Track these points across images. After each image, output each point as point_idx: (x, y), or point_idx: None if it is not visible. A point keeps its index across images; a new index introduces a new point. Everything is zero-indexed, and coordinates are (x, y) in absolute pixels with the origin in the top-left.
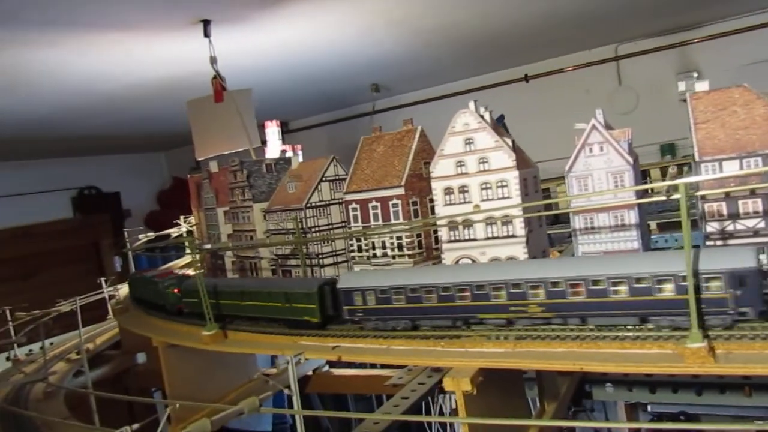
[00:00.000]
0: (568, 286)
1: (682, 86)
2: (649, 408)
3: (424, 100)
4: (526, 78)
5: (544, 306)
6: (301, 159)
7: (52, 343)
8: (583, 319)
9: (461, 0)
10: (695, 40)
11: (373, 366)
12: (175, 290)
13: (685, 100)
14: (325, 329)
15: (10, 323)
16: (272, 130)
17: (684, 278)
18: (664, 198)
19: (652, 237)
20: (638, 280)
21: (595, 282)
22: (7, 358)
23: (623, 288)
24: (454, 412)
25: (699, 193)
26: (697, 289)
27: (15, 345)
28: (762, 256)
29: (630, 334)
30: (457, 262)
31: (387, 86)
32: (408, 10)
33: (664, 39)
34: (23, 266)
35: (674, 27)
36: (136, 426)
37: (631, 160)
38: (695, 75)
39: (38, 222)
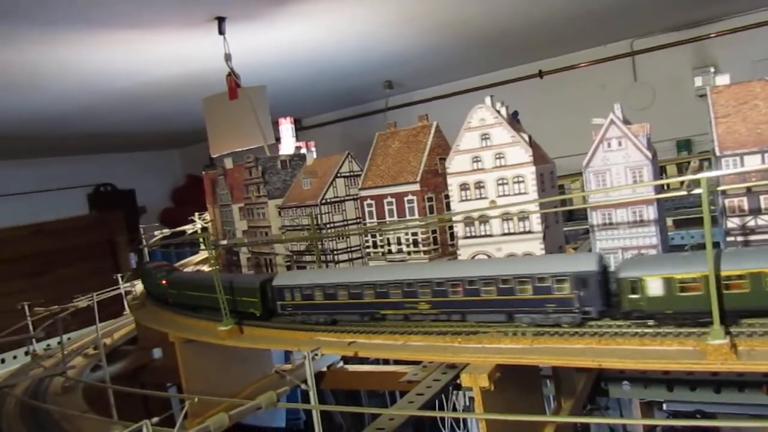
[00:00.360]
0: (450, 286)
1: (698, 81)
2: (664, 406)
3: (438, 97)
4: (540, 74)
5: (431, 304)
6: (314, 156)
7: (69, 339)
8: (463, 316)
9: None
10: (712, 35)
11: (386, 362)
12: (164, 281)
13: (702, 96)
14: (269, 320)
15: (29, 318)
16: (286, 127)
17: (540, 279)
18: (684, 192)
19: (669, 234)
20: (504, 281)
21: (471, 282)
22: (26, 353)
23: (492, 288)
24: (467, 410)
25: (720, 188)
26: (548, 290)
27: (33, 340)
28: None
29: (650, 330)
30: (472, 258)
31: (400, 83)
32: (421, 6)
33: (680, 34)
34: (40, 262)
35: (690, 22)
36: (155, 420)
37: (650, 154)
38: (712, 70)
39: (54, 219)
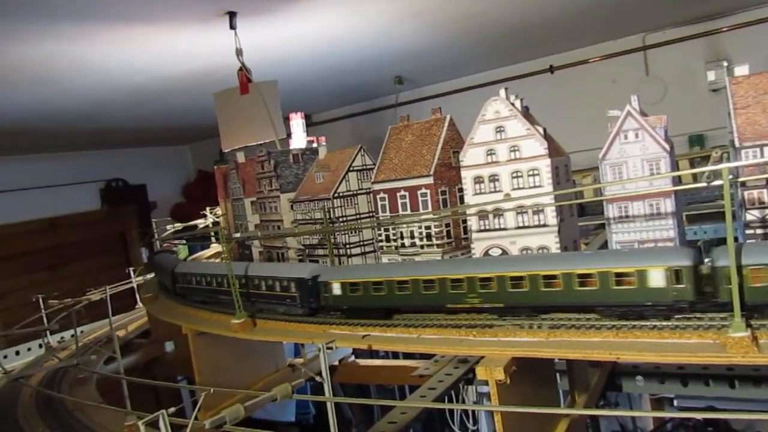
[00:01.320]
0: (249, 281)
1: (711, 76)
2: (675, 402)
3: (448, 92)
4: (551, 69)
5: (242, 294)
6: (326, 151)
7: (82, 332)
8: (253, 304)
9: None
10: (724, 29)
11: (395, 356)
12: None
13: (715, 90)
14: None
15: (43, 311)
16: (297, 122)
17: (283, 281)
18: (704, 184)
19: None
20: (271, 280)
21: (256, 279)
22: (40, 345)
23: (263, 285)
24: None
25: (740, 180)
26: (288, 289)
27: (48, 332)
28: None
29: (668, 323)
30: (486, 251)
31: (410, 78)
32: (431, 1)
33: (692, 28)
34: (53, 257)
35: (703, 15)
36: (171, 410)
37: (668, 147)
38: (725, 64)
39: (67, 213)
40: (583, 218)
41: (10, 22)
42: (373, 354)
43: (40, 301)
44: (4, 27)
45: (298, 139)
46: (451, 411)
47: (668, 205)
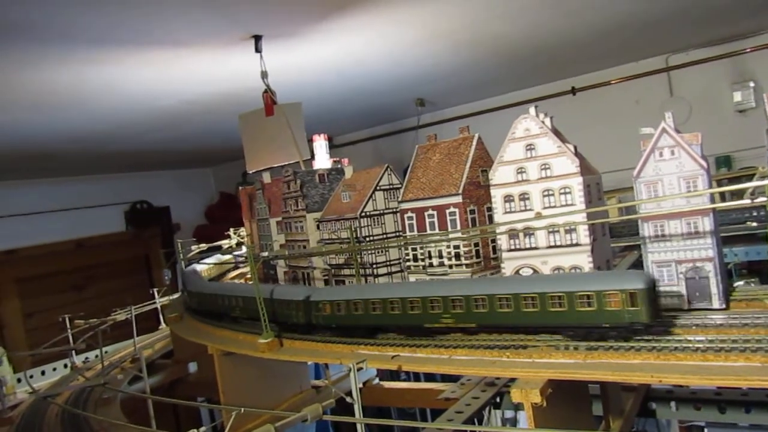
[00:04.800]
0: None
1: (737, 96)
2: (705, 431)
3: (469, 114)
4: (573, 90)
5: None
6: (352, 171)
7: (106, 352)
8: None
9: (506, 12)
10: (748, 50)
11: (417, 378)
12: None
13: (741, 111)
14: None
15: (69, 331)
16: (320, 143)
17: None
18: (747, 201)
19: None
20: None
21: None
22: (65, 365)
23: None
24: None
25: None
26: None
27: (73, 352)
28: None
29: (713, 345)
30: (517, 271)
31: (431, 100)
32: (453, 23)
33: (716, 49)
34: (78, 277)
35: (728, 36)
36: (203, 429)
37: (705, 164)
38: (751, 85)
39: (93, 235)
40: (611, 239)
41: (37, 48)
42: (394, 375)
43: (67, 321)
44: (31, 53)
45: (322, 161)
46: None
47: (707, 223)
